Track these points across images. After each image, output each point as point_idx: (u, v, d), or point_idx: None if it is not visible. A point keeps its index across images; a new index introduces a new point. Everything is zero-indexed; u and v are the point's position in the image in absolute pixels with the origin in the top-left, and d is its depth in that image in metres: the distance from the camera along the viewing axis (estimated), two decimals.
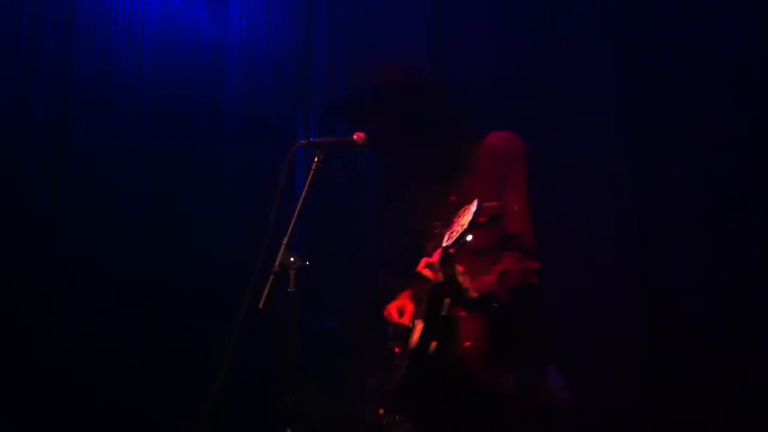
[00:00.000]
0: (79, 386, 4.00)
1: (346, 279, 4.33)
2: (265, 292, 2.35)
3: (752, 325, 3.38)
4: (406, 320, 2.61)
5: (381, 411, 3.39)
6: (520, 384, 2.44)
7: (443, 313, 2.36)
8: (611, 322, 3.74)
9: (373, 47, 4.65)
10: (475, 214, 2.21)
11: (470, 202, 2.40)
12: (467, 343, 2.44)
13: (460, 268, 2.34)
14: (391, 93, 2.66)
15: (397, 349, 2.62)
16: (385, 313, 2.71)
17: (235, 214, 4.46)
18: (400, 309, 2.66)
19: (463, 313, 2.44)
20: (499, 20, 4.30)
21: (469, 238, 2.24)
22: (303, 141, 2.74)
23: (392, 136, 2.70)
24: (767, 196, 3.42)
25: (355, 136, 2.63)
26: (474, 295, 2.36)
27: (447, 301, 2.36)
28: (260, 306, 2.34)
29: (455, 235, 2.25)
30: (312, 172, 2.56)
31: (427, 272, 2.37)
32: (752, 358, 3.37)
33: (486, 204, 2.42)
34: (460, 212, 2.30)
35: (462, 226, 2.24)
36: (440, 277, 2.34)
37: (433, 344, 2.37)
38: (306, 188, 2.52)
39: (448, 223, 2.33)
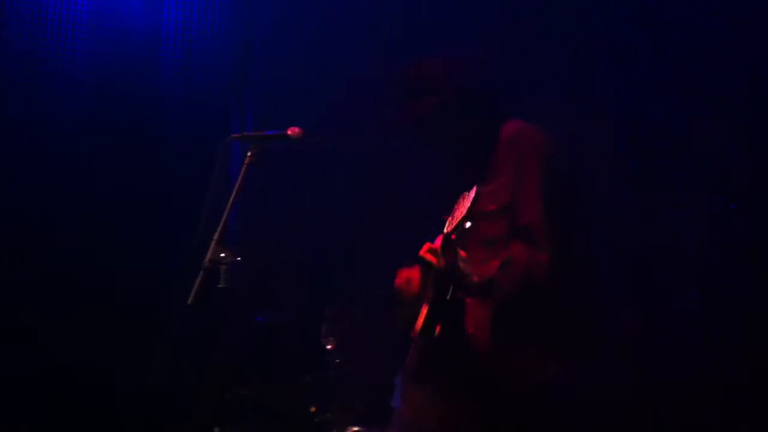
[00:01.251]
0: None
1: (281, 274, 4.30)
2: (195, 287, 2.31)
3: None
4: (412, 289, 2.61)
5: (313, 409, 3.39)
6: (523, 377, 2.42)
7: (448, 297, 2.35)
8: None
9: (319, 36, 4.63)
10: (474, 200, 2.21)
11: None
12: (471, 330, 2.41)
13: (462, 254, 2.33)
14: (435, 105, 2.60)
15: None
16: (396, 283, 2.67)
17: (169, 207, 4.38)
18: (408, 278, 2.65)
19: (469, 300, 2.41)
20: None
21: (468, 224, 2.23)
22: (236, 134, 2.71)
23: (435, 147, 2.65)
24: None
25: (289, 131, 2.60)
26: (475, 280, 2.35)
27: (451, 288, 2.36)
28: (189, 302, 2.30)
29: (455, 222, 2.25)
30: (245, 166, 2.52)
31: (429, 257, 2.37)
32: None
33: (495, 193, 2.41)
34: (460, 199, 2.30)
35: (461, 212, 2.25)
36: (442, 262, 2.33)
37: (438, 328, 2.37)
38: (238, 183, 2.48)
39: (451, 211, 2.33)
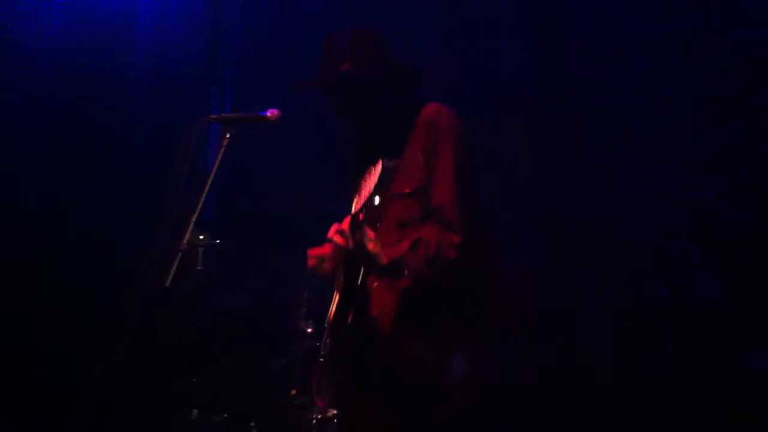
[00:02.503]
0: None
1: (255, 257, 4.29)
2: (172, 269, 2.29)
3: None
4: (325, 268, 2.61)
5: (293, 392, 3.38)
6: (425, 360, 2.45)
7: (359, 283, 2.36)
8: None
9: (282, 20, 4.60)
10: (381, 176, 2.21)
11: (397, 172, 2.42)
12: (374, 312, 2.42)
13: (370, 234, 2.32)
14: (348, 71, 2.60)
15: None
16: (309, 264, 2.67)
17: (141, 188, 4.34)
18: (321, 256, 2.65)
19: (375, 283, 2.42)
20: None
21: (377, 200, 2.23)
22: (214, 116, 2.67)
23: (348, 115, 2.65)
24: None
25: (269, 113, 2.58)
26: (384, 260, 2.35)
27: (362, 270, 2.36)
28: (166, 284, 2.28)
29: (362, 200, 2.24)
30: (222, 148, 2.50)
31: (337, 238, 2.36)
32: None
33: (412, 175, 2.42)
34: (366, 176, 2.29)
35: (369, 190, 2.24)
36: (350, 243, 2.33)
37: (350, 315, 2.37)
38: (216, 165, 2.46)
39: (357, 190, 2.32)
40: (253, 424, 3.52)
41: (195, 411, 2.25)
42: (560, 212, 3.88)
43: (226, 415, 3.48)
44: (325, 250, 2.65)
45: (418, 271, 2.37)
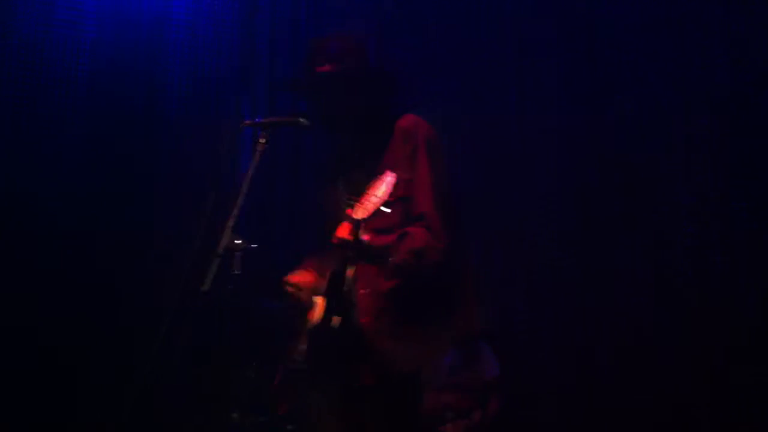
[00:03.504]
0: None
1: (290, 260, 4.30)
2: (210, 274, 2.31)
3: None
4: (303, 296, 2.66)
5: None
6: (411, 362, 2.50)
7: (345, 288, 2.42)
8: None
9: (317, 25, 4.61)
10: (395, 185, 2.25)
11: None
12: (364, 319, 2.49)
13: (365, 237, 2.39)
14: (330, 72, 2.64)
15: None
16: (284, 278, 2.73)
17: (176, 195, 4.38)
18: (300, 279, 2.70)
19: (362, 291, 2.49)
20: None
21: (388, 210, 2.29)
22: (248, 121, 2.71)
23: (327, 117, 2.69)
24: None
25: (301, 117, 2.60)
26: (372, 244, 2.41)
27: (349, 275, 2.42)
28: (204, 288, 2.30)
29: (371, 207, 2.28)
30: (257, 153, 2.52)
31: (342, 234, 2.41)
32: None
33: (394, 183, 2.44)
34: (371, 186, 2.32)
35: (377, 197, 2.28)
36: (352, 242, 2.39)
37: (335, 320, 2.42)
38: (251, 169, 2.48)
39: (358, 198, 2.35)
40: (290, 427, 3.54)
41: (235, 414, 2.27)
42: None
43: (263, 418, 3.50)
44: (303, 277, 2.71)
45: (403, 260, 2.42)
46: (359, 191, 2.50)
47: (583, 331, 3.98)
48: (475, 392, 3.89)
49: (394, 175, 2.30)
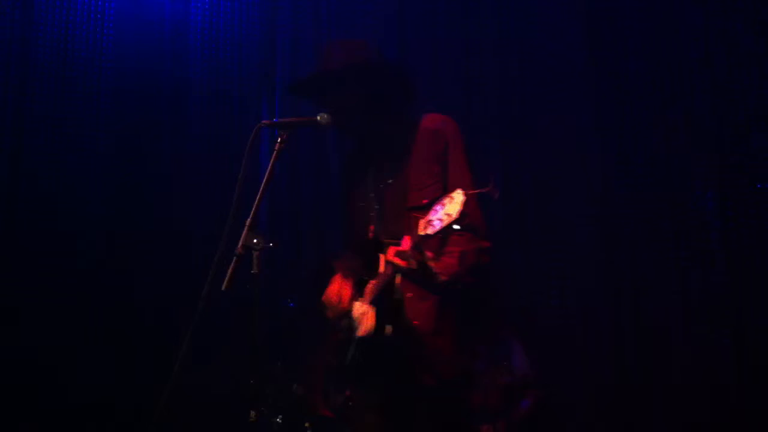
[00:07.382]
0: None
1: (310, 259, 4.32)
2: (229, 273, 2.32)
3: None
4: (345, 304, 2.63)
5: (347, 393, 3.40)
6: (474, 360, 2.53)
7: (396, 296, 2.43)
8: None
9: (338, 26, 4.63)
10: (465, 204, 2.24)
11: (408, 184, 2.51)
12: (416, 322, 2.50)
13: (429, 254, 2.40)
14: (348, 73, 2.65)
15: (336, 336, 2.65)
16: (324, 298, 2.71)
17: (198, 195, 4.42)
18: (339, 294, 2.68)
19: (409, 294, 2.49)
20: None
21: (458, 227, 2.27)
22: (266, 121, 2.71)
23: (346, 117, 2.69)
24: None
25: (319, 117, 2.61)
26: (444, 278, 2.45)
27: (397, 282, 2.43)
28: (223, 288, 2.31)
29: (439, 225, 2.26)
30: (276, 152, 2.52)
31: (397, 260, 2.39)
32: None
33: (426, 186, 2.50)
34: (438, 203, 2.30)
35: (449, 215, 2.25)
36: (413, 264, 2.39)
37: (388, 329, 2.43)
38: (270, 169, 2.48)
39: (421, 212, 2.35)
40: (307, 424, 3.55)
41: (253, 413, 2.28)
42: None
43: (280, 418, 3.52)
44: (345, 288, 2.67)
45: (467, 283, 2.51)
46: (385, 190, 2.56)
47: (613, 331, 3.99)
48: (511, 390, 3.90)
49: (462, 192, 2.27)
